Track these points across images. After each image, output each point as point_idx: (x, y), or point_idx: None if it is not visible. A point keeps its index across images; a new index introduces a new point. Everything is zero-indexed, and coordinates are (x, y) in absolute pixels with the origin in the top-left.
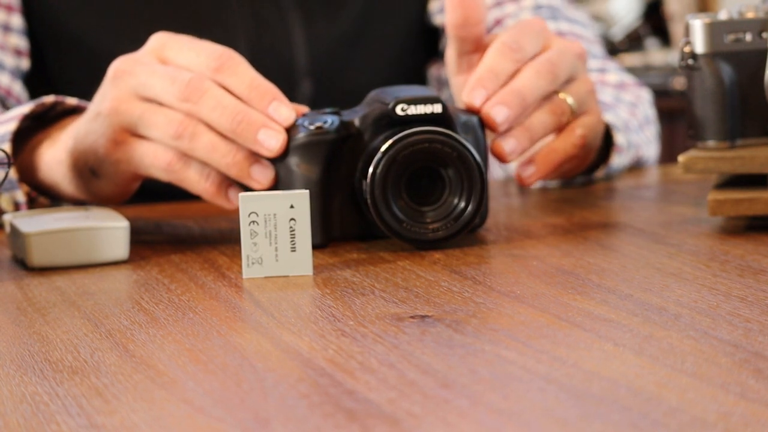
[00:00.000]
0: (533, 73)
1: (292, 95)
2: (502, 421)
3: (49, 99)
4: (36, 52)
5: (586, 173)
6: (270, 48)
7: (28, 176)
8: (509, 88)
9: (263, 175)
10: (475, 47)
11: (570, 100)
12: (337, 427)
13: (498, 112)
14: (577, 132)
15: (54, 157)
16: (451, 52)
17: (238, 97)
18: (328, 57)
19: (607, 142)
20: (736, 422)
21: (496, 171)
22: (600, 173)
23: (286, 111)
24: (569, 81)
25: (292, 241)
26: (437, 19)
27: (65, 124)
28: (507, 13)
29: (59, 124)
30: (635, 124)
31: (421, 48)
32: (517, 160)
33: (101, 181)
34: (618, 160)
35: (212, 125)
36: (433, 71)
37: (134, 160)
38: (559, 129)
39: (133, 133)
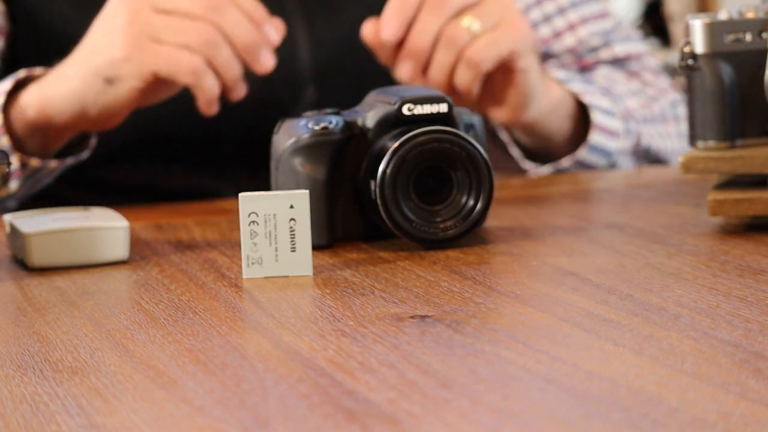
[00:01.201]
0: (424, 14)
1: (296, 101)
2: (502, 421)
3: (21, 74)
4: (12, 48)
5: (571, 150)
6: (274, 53)
7: (16, 128)
8: (406, 50)
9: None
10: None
11: (474, 24)
12: (337, 427)
13: (404, 72)
14: (472, 48)
15: (63, 73)
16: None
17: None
18: (332, 62)
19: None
20: (736, 422)
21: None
22: (582, 152)
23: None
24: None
25: (292, 241)
26: None
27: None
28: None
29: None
30: (645, 115)
31: None
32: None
33: (116, 88)
34: (610, 142)
35: (232, 35)
36: None
37: (158, 62)
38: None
39: (157, 41)
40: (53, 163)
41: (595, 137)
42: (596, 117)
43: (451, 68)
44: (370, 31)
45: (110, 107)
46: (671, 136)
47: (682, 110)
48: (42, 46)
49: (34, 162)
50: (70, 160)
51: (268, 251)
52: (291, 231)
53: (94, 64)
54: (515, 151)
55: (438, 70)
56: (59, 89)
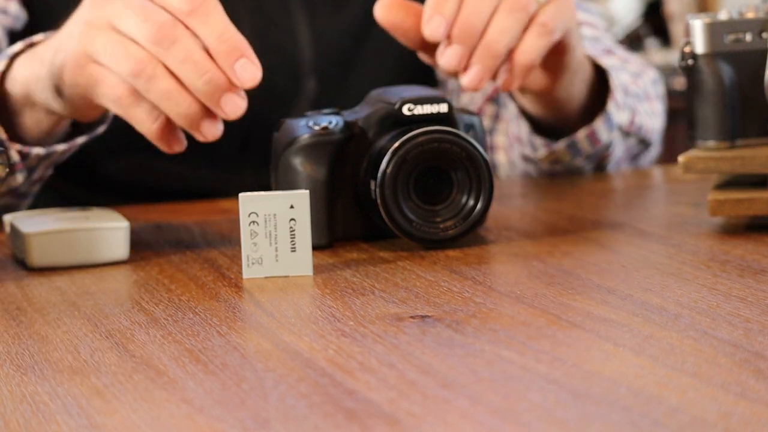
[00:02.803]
0: None
1: (296, 94)
2: (502, 421)
3: (17, 47)
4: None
5: (585, 121)
6: (275, 45)
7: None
8: (459, 22)
9: (211, 130)
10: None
11: None
12: (337, 427)
13: (450, 56)
14: (540, 19)
15: (34, 72)
16: (425, 58)
17: (206, 47)
18: (334, 54)
19: (603, 90)
20: (736, 422)
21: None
22: (599, 123)
23: (252, 69)
24: None
25: (292, 241)
26: None
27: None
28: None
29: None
30: (636, 91)
31: None
32: (491, 81)
33: (63, 102)
34: (616, 114)
35: (176, 74)
36: None
37: (90, 86)
38: (526, 26)
39: (95, 60)
40: (61, 147)
41: (613, 109)
42: (613, 82)
43: (518, 35)
44: (388, 11)
45: (69, 111)
46: (656, 115)
47: (662, 88)
48: None
49: (37, 151)
50: (81, 139)
51: (268, 251)
52: (291, 231)
53: (56, 67)
54: (524, 127)
55: (502, 36)
56: (33, 88)
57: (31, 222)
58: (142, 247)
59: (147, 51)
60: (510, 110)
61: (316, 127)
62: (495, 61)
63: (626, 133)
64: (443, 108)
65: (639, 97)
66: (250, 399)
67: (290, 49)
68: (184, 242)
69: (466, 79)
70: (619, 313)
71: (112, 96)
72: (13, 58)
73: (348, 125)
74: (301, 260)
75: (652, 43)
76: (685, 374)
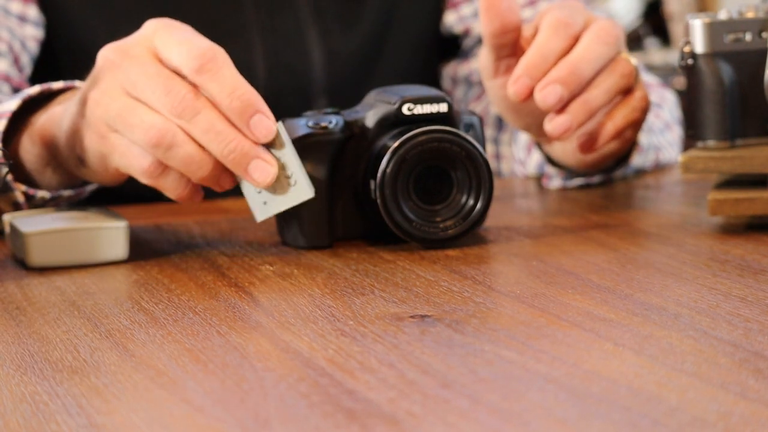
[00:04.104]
0: (594, 39)
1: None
2: (502, 421)
3: (34, 90)
4: (52, 61)
5: (605, 171)
6: (287, 64)
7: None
8: (564, 63)
9: (229, 182)
10: (513, 51)
11: (634, 61)
12: (337, 427)
13: (550, 93)
14: (638, 94)
15: (54, 136)
16: (486, 57)
17: (218, 104)
18: (345, 73)
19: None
20: (736, 422)
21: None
22: (619, 173)
23: (267, 124)
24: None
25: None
26: (457, 29)
27: (62, 99)
28: (524, 18)
29: (57, 100)
30: (659, 126)
31: (435, 58)
32: (576, 134)
33: (89, 170)
34: (638, 160)
35: (201, 144)
36: (448, 70)
37: (115, 159)
38: (626, 92)
39: (112, 128)
40: (67, 193)
41: (636, 158)
42: (640, 137)
43: (615, 99)
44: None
45: (94, 180)
46: (673, 144)
47: (677, 111)
48: (78, 60)
49: (42, 194)
50: (90, 187)
51: (265, 192)
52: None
53: (71, 138)
54: (536, 157)
55: (603, 95)
56: (60, 130)
57: (30, 221)
58: (142, 247)
59: (164, 118)
60: (520, 136)
61: (316, 127)
62: (587, 117)
63: (649, 168)
64: (443, 107)
65: (662, 130)
66: (250, 399)
67: (302, 69)
68: (184, 242)
69: (551, 125)
70: (619, 312)
71: (138, 169)
72: (29, 103)
73: (348, 125)
74: (301, 186)
75: (651, 43)
76: (685, 374)
